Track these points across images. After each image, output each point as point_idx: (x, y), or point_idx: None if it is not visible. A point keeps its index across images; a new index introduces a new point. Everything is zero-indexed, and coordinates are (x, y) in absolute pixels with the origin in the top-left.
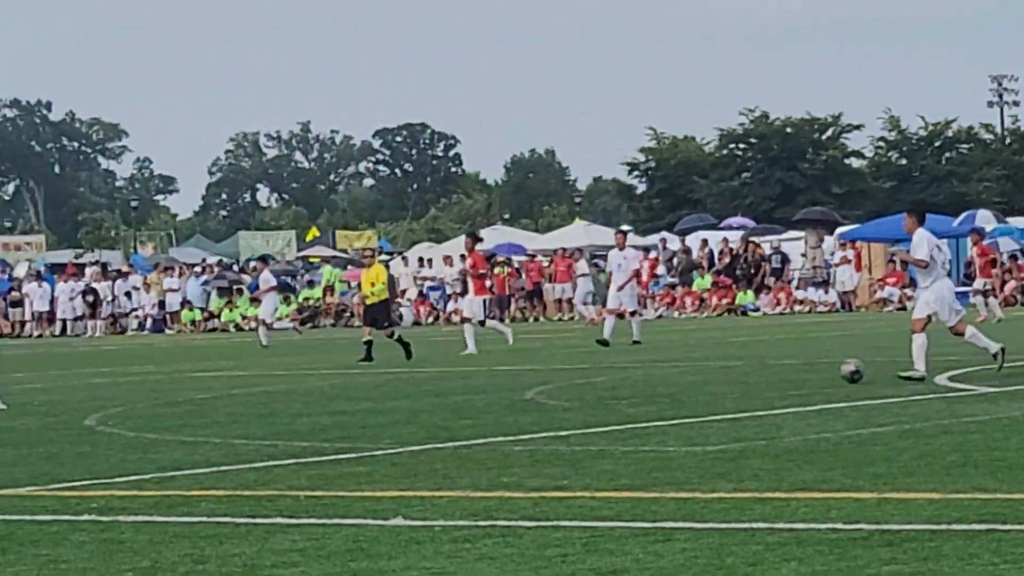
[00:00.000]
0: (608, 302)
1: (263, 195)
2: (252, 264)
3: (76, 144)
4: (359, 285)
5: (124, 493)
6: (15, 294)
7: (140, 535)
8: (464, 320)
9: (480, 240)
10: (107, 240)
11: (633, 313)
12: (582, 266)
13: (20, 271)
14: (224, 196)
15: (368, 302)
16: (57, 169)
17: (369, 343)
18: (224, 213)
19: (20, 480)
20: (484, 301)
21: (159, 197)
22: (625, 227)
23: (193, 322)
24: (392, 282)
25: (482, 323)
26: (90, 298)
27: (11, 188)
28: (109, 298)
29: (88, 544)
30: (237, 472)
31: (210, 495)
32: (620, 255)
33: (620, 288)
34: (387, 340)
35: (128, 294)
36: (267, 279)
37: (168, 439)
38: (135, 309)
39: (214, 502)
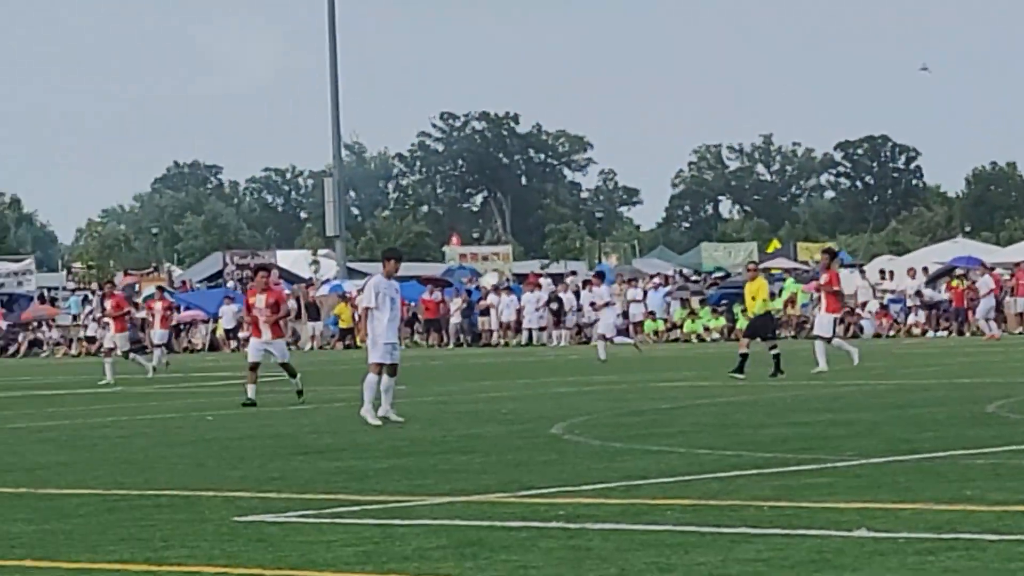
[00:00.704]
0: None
1: (725, 207)
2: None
3: (542, 156)
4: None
5: (591, 501)
6: (482, 303)
7: (607, 542)
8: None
9: (835, 255)
10: (572, 251)
11: None
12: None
13: (488, 281)
14: (687, 208)
15: (751, 314)
16: (524, 180)
17: (744, 355)
18: (687, 225)
19: (489, 487)
20: (834, 320)
21: (623, 208)
22: None
23: (656, 332)
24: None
25: (829, 340)
26: (554, 306)
27: (479, 199)
28: (574, 308)
29: (556, 550)
30: (701, 482)
31: (675, 504)
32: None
33: None
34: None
35: (593, 304)
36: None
37: (633, 448)
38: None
39: (679, 511)
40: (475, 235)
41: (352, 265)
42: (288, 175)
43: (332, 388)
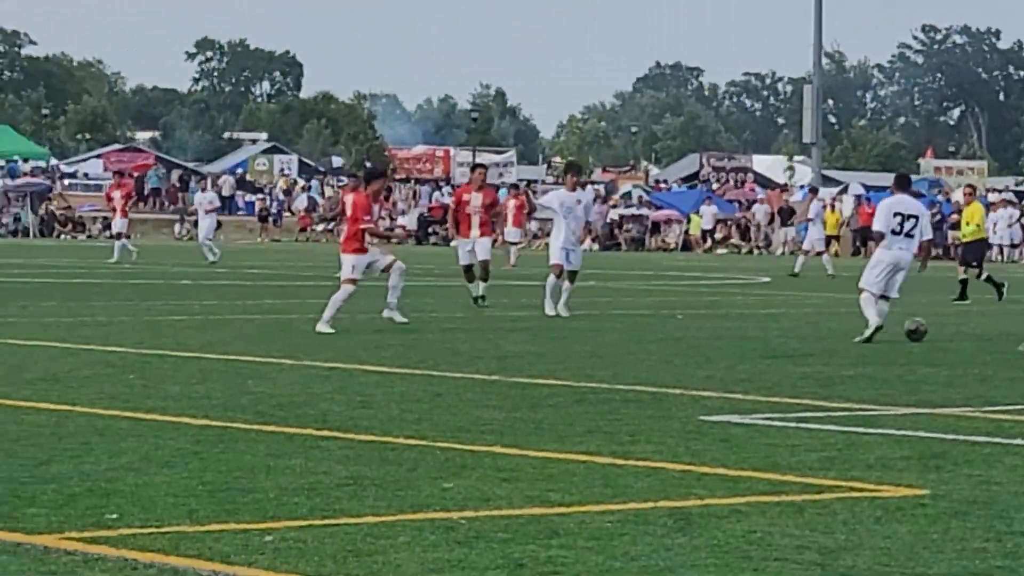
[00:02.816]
0: None
1: None
2: None
3: (1022, 73)
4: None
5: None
6: (954, 217)
7: None
8: None
9: None
10: None
11: None
12: None
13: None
14: None
15: (964, 240)
16: (1002, 97)
17: (964, 282)
18: None
19: (955, 400)
20: None
21: None
22: None
23: None
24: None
25: None
26: None
27: (956, 113)
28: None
29: (1021, 468)
30: None
31: None
32: None
33: None
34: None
35: None
36: None
37: None
38: None
39: None
40: (951, 149)
41: (827, 172)
42: (768, 80)
43: (802, 294)
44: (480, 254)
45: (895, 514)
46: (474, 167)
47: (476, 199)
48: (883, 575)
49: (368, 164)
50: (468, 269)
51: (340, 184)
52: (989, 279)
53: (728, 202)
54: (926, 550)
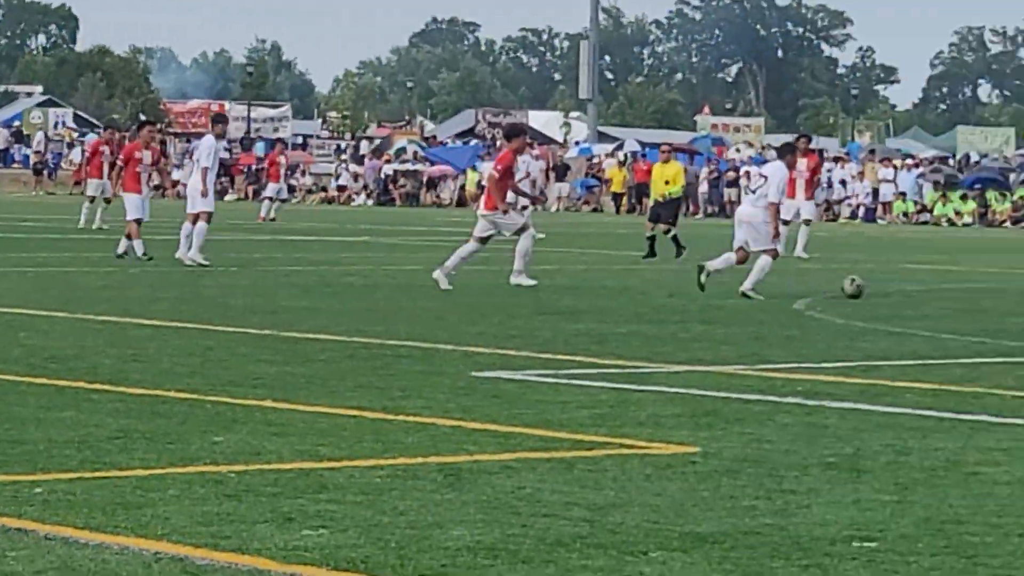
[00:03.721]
0: None
1: (984, 91)
2: None
3: (800, 30)
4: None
5: (830, 379)
6: (731, 174)
7: (844, 421)
8: None
9: None
10: (825, 127)
11: None
12: None
13: (741, 153)
14: (944, 90)
15: (658, 199)
16: (780, 54)
17: (652, 239)
18: (943, 107)
19: (728, 358)
20: None
21: (879, 87)
22: None
23: (905, 214)
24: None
25: None
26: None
27: (734, 70)
28: (824, 184)
29: (792, 426)
30: (943, 366)
31: (915, 387)
32: None
33: None
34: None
35: (843, 182)
36: None
37: (876, 329)
38: (848, 197)
39: (919, 394)
40: (728, 106)
41: (603, 129)
42: (544, 36)
43: (576, 251)
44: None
45: (665, 471)
46: (141, 124)
47: (147, 156)
48: (652, 532)
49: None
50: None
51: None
52: (675, 238)
53: None
54: (696, 507)
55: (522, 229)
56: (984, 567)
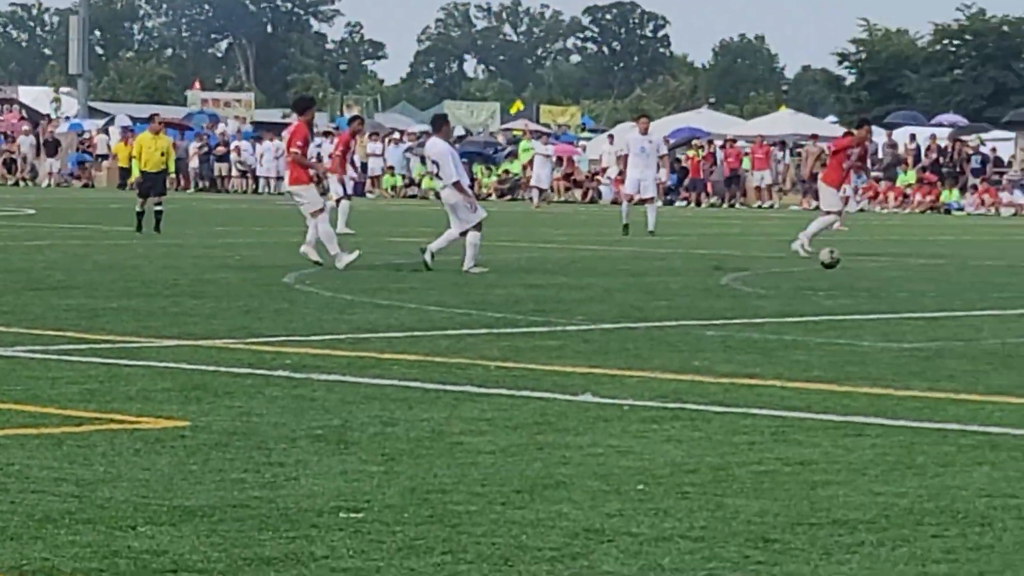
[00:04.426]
0: (627, 187)
1: (470, 66)
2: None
3: (289, 5)
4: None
5: (318, 352)
6: (221, 149)
7: (332, 394)
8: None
9: None
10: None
11: (651, 200)
12: None
13: (231, 128)
14: (431, 65)
15: (149, 170)
16: (269, 29)
17: (140, 214)
18: (431, 82)
19: (218, 332)
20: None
21: (367, 62)
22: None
23: (393, 188)
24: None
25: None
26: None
27: (224, 45)
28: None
29: (280, 399)
30: (430, 338)
31: (402, 359)
32: (643, 139)
33: (642, 174)
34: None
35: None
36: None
37: (364, 301)
38: None
39: (406, 366)
40: (218, 81)
41: (94, 104)
42: (34, 11)
43: (67, 226)
44: None
45: (154, 446)
46: None
47: None
48: (141, 507)
49: None
50: None
51: None
52: (158, 213)
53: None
54: (185, 481)
55: None
56: (467, 535)
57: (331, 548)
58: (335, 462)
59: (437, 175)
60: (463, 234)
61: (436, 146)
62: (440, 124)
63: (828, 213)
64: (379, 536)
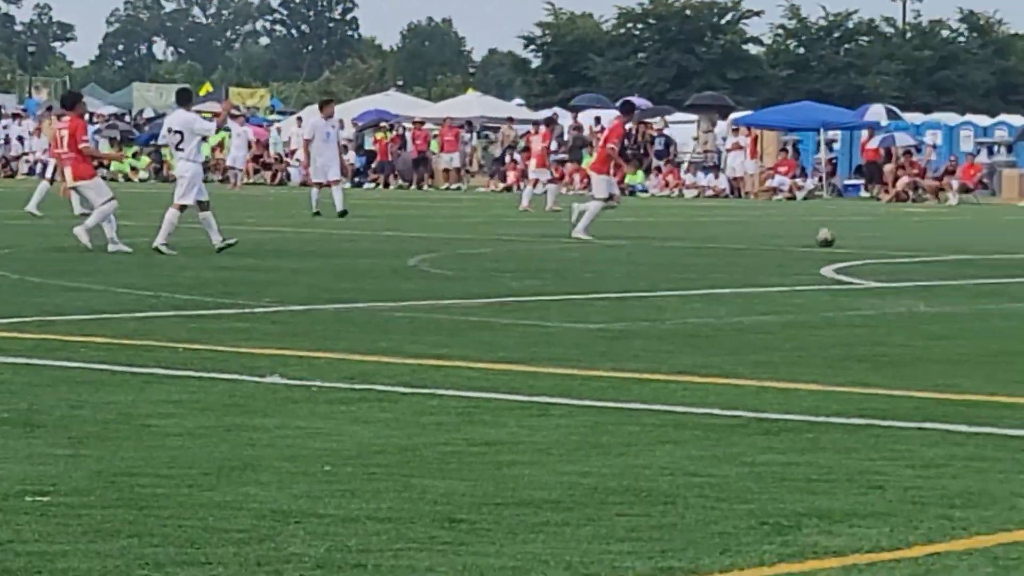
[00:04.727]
0: (314, 175)
1: (159, 48)
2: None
3: None
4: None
5: (4, 335)
6: None
7: (18, 377)
8: None
9: None
10: (2, 84)
11: (336, 182)
12: None
13: None
14: (120, 47)
15: None
16: None
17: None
18: (120, 64)
19: None
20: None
21: (56, 44)
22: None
23: None
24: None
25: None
26: None
27: None
28: (1, 141)
29: None
30: (118, 321)
31: (90, 342)
32: (327, 124)
33: (328, 159)
34: None
35: (20, 139)
36: None
37: (51, 283)
38: (26, 153)
39: (93, 348)
40: None
41: None
42: None
43: None
44: None
45: None
46: None
47: None
48: None
49: None
50: None
51: None
52: None
53: None
54: None
55: None
56: (155, 518)
57: (16, 532)
58: (21, 445)
59: (178, 146)
60: (203, 210)
61: (179, 117)
62: (184, 100)
63: (596, 200)
64: (65, 520)
